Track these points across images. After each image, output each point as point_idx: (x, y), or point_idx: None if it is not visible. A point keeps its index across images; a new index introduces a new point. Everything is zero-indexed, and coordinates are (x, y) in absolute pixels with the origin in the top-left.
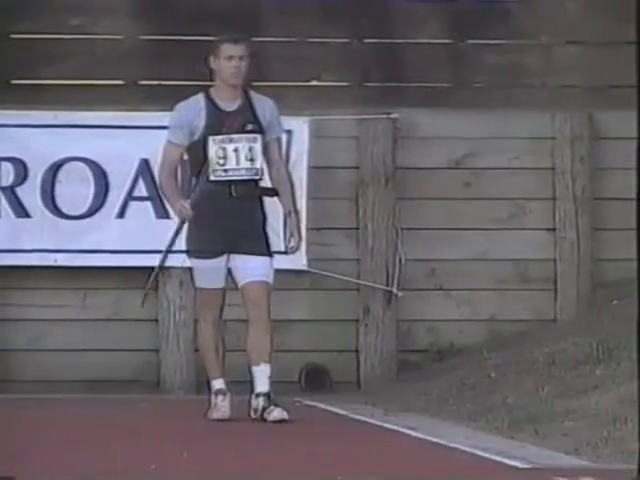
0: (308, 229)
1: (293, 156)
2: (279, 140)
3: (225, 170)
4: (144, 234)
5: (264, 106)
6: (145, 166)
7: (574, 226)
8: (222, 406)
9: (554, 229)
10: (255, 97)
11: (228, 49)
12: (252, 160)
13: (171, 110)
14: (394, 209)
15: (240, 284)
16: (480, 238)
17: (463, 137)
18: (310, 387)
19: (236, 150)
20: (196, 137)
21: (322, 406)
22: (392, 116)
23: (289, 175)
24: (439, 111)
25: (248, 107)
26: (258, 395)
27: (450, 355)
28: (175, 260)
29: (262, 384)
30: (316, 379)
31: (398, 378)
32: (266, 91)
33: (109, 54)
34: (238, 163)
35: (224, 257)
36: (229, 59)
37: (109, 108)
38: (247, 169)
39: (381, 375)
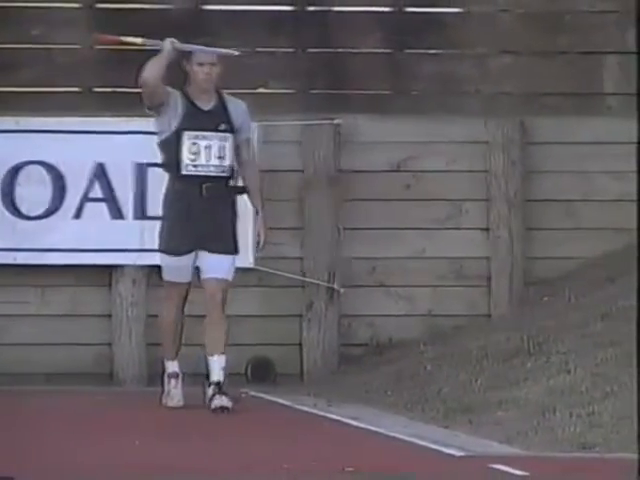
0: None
1: None
2: (249, 141)
3: (195, 166)
4: (99, 234)
5: (237, 108)
6: (100, 169)
7: (507, 226)
8: (175, 394)
9: (488, 229)
10: (228, 99)
11: (200, 56)
12: (221, 158)
13: (125, 116)
14: (337, 210)
15: (201, 278)
16: (419, 237)
17: (403, 142)
18: (256, 379)
19: (208, 147)
20: (169, 132)
21: (267, 397)
22: (335, 122)
23: (258, 174)
24: (380, 117)
25: (222, 108)
26: (210, 384)
27: (389, 348)
28: (128, 259)
29: (215, 374)
30: (261, 371)
31: (340, 370)
32: None
33: (67, 63)
34: (208, 160)
35: (192, 255)
36: (201, 65)
37: (67, 114)
38: (216, 166)
39: (323, 368)
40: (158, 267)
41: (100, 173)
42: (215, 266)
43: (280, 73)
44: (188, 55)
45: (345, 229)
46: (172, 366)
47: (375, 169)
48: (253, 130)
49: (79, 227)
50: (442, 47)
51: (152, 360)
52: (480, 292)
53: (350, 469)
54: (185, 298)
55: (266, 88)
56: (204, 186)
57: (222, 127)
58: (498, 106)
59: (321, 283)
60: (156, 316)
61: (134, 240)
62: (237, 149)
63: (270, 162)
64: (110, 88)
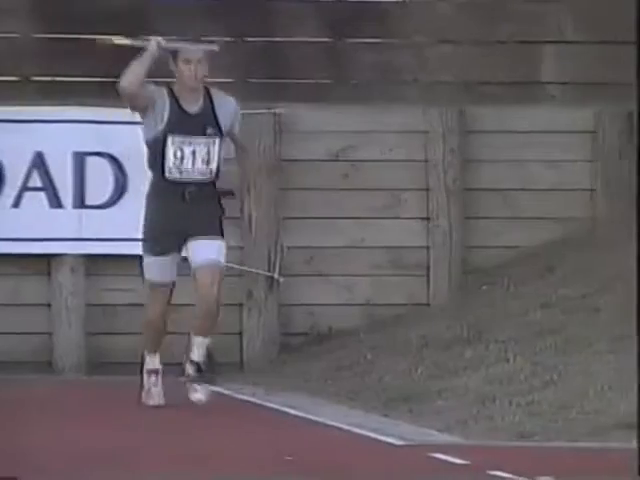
0: None
1: None
2: (241, 130)
3: (180, 171)
4: (38, 223)
5: (225, 108)
6: (39, 158)
7: (446, 215)
8: (155, 392)
9: (427, 218)
10: (217, 97)
11: (186, 53)
12: (208, 162)
13: (64, 105)
14: (276, 199)
15: (192, 266)
16: (358, 226)
17: (342, 131)
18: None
19: (193, 152)
20: (155, 133)
21: (207, 386)
22: (275, 111)
23: (249, 161)
24: (319, 106)
25: (210, 110)
26: (191, 362)
27: (329, 338)
28: (67, 248)
29: (197, 354)
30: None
31: (279, 360)
32: None
33: (5, 52)
34: (194, 165)
35: (175, 254)
36: (187, 63)
37: (5, 103)
38: (202, 172)
39: (263, 357)
40: (97, 256)
41: (39, 162)
42: (205, 251)
43: (218, 62)
44: (174, 53)
45: (285, 218)
46: (152, 361)
47: (314, 158)
48: None
49: (18, 216)
50: (381, 36)
51: (92, 349)
52: (419, 281)
53: (289, 458)
54: (169, 297)
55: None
56: (187, 191)
57: (209, 131)
58: (437, 95)
59: (260, 272)
60: (96, 305)
61: (73, 229)
62: (232, 141)
63: None
64: (49, 77)
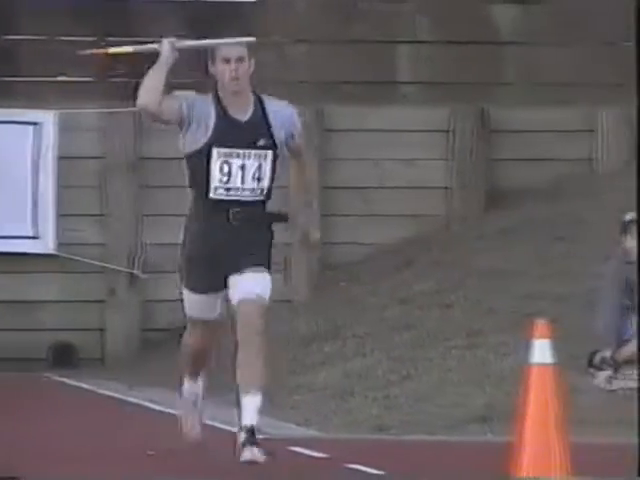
0: (58, 216)
1: (43, 148)
2: (301, 140)
3: (227, 189)
4: None
5: (280, 116)
6: None
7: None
8: (192, 422)
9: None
10: (270, 105)
11: (225, 51)
12: (259, 180)
13: None
14: (137, 197)
15: (233, 302)
16: None
17: None
18: (58, 364)
19: (243, 167)
20: (197, 146)
21: (69, 382)
22: (134, 109)
23: (306, 169)
24: None
25: (262, 118)
26: (242, 428)
27: None
28: None
29: (247, 416)
30: (63, 356)
31: (141, 355)
32: (17, 87)
33: None
34: (243, 182)
35: (216, 293)
36: (226, 62)
37: None
38: (252, 190)
39: (125, 352)
40: None
41: None
42: (247, 287)
43: (81, 61)
44: (212, 53)
45: (146, 215)
46: (189, 388)
47: (174, 156)
48: (51, 118)
49: None
50: (239, 35)
51: None
52: (279, 278)
53: (151, 452)
54: (214, 333)
55: (67, 76)
56: (231, 211)
57: (261, 143)
58: (296, 94)
59: (122, 269)
60: None
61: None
62: (291, 152)
63: (71, 149)
64: None
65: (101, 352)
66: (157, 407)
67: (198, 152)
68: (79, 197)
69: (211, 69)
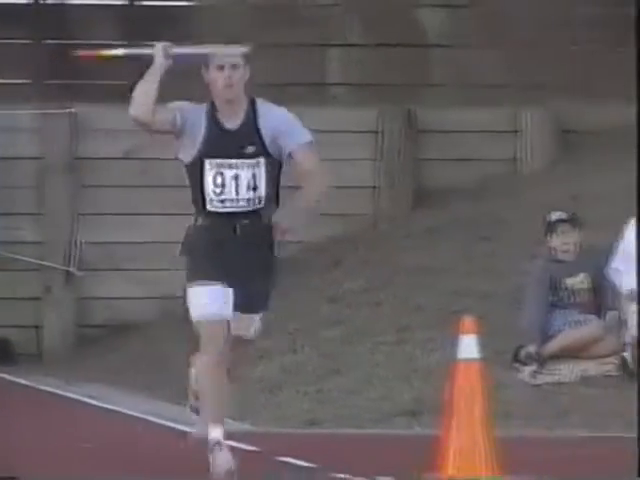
0: None
1: None
2: (306, 146)
3: (222, 200)
4: None
5: (271, 119)
6: None
7: None
8: (222, 463)
9: None
10: (262, 109)
11: (218, 58)
12: (255, 189)
13: None
14: (74, 196)
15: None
16: (153, 223)
17: (138, 130)
18: None
19: (236, 177)
20: (190, 158)
21: (7, 377)
22: (70, 111)
23: (320, 186)
24: (115, 106)
25: (252, 124)
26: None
27: (127, 330)
28: None
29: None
30: (1, 352)
31: (79, 351)
32: None
33: None
34: (238, 193)
35: (227, 288)
36: (220, 69)
37: None
38: (248, 200)
39: (62, 349)
40: None
41: None
42: (241, 326)
43: (17, 63)
44: (206, 61)
45: (81, 214)
46: (215, 432)
47: (111, 156)
48: None
49: None
50: (174, 39)
51: None
52: None
53: (88, 446)
54: (226, 341)
55: (3, 78)
56: (238, 225)
57: (250, 150)
58: None
59: (58, 267)
60: None
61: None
62: (291, 162)
63: (9, 150)
64: None
65: (38, 348)
66: (94, 402)
67: (192, 164)
68: (17, 197)
69: (205, 77)
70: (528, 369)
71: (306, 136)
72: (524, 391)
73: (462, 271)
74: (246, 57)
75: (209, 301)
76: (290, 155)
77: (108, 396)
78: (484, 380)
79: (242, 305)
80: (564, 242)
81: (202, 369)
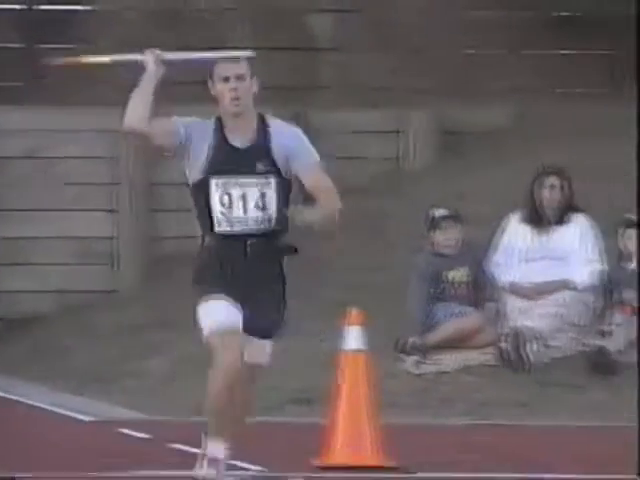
0: None
1: None
2: (315, 167)
3: (229, 221)
4: None
5: (282, 136)
6: None
7: (132, 208)
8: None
9: (114, 211)
10: (273, 126)
11: (222, 69)
12: (264, 208)
13: None
14: None
15: None
16: (52, 218)
17: (38, 129)
18: None
19: (244, 196)
20: (196, 176)
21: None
22: None
23: (334, 207)
24: (16, 107)
25: (262, 141)
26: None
27: (26, 323)
28: None
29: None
30: None
31: None
32: None
33: None
34: (245, 212)
35: (238, 305)
36: (225, 81)
37: None
38: (256, 219)
39: None
40: None
41: None
42: (253, 352)
43: None
44: (211, 72)
45: None
46: (214, 448)
47: (13, 155)
48: None
49: None
50: (72, 42)
51: None
52: (107, 270)
53: None
54: (242, 354)
55: None
56: (248, 243)
57: (260, 168)
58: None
59: None
60: None
61: None
62: (306, 186)
63: None
64: None
65: None
66: (13, 397)
67: (198, 184)
68: None
69: (212, 90)
70: (412, 359)
71: (315, 156)
72: (408, 381)
73: (350, 265)
74: (251, 66)
75: (223, 316)
76: (299, 176)
77: (11, 387)
78: (370, 370)
79: (255, 329)
80: (446, 237)
81: (212, 390)
